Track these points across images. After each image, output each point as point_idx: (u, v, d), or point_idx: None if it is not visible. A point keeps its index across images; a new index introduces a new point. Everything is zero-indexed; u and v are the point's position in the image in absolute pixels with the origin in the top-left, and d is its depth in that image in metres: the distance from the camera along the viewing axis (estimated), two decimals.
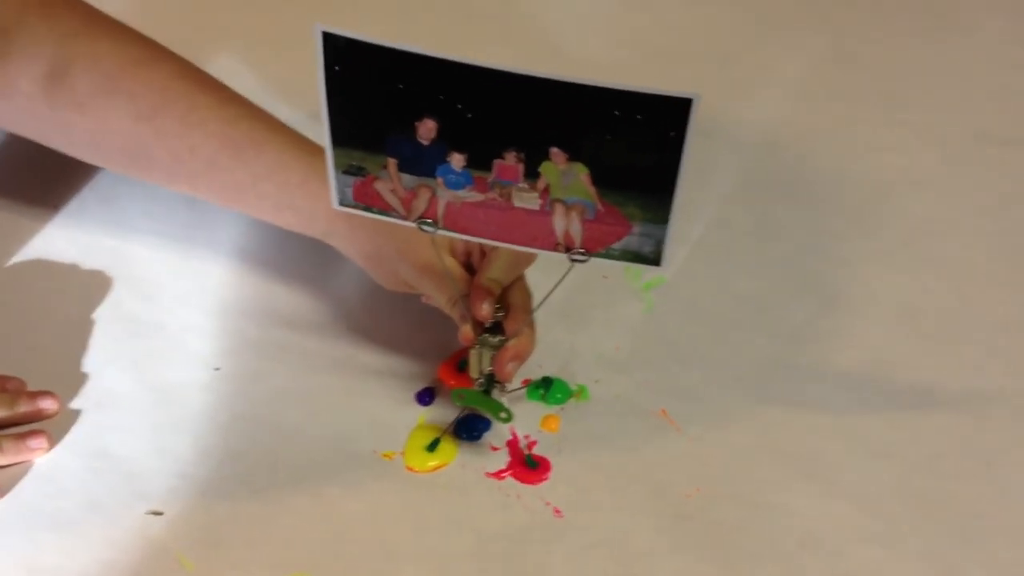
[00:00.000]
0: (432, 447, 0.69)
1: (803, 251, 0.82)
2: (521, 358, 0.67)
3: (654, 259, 0.57)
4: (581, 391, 0.72)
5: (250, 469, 0.68)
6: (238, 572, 0.63)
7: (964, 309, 0.78)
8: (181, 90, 0.72)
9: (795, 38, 1.02)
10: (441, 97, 0.53)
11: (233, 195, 0.73)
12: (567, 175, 0.55)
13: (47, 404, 0.70)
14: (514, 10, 1.04)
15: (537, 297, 0.68)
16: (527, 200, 0.56)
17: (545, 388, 0.72)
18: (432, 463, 0.68)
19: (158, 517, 0.65)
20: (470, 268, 0.70)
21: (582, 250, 0.58)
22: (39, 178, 0.85)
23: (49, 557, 0.63)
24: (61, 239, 0.81)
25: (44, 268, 0.79)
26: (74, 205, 0.83)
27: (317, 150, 0.70)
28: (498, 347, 0.66)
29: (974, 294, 0.79)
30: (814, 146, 0.91)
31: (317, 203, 0.71)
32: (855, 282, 0.79)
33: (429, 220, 0.60)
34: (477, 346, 0.66)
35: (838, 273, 0.80)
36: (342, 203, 0.61)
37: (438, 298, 0.68)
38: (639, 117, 0.51)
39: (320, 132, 0.58)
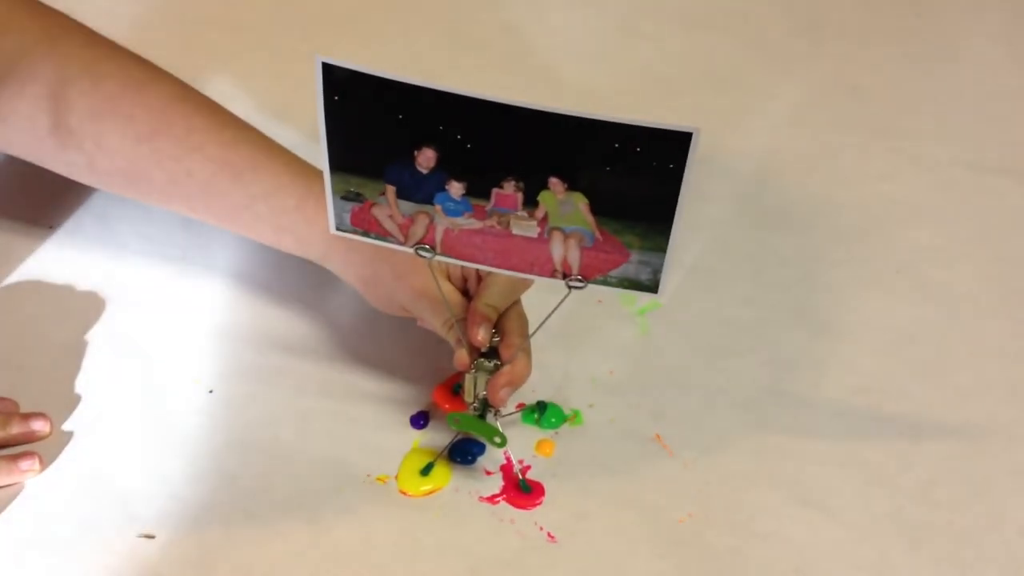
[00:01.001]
0: (426, 471, 0.69)
1: (797, 278, 0.82)
2: (515, 384, 0.66)
3: (651, 287, 0.57)
4: (575, 415, 0.72)
5: (243, 492, 0.68)
6: None
7: (957, 337, 0.78)
8: (179, 113, 0.72)
9: (790, 67, 1.02)
10: (441, 128, 0.53)
11: (230, 217, 0.73)
12: (566, 204, 0.55)
13: (39, 426, 0.69)
14: (512, 37, 1.04)
15: (533, 323, 0.68)
16: (525, 228, 0.57)
17: (539, 412, 0.72)
18: (426, 487, 0.68)
19: (150, 540, 0.65)
20: (467, 293, 0.69)
21: (579, 277, 0.58)
22: (34, 198, 0.84)
23: None
24: (55, 260, 0.81)
25: (38, 289, 0.79)
26: (69, 226, 0.83)
27: (315, 173, 0.70)
28: (493, 372, 0.66)
29: (967, 322, 0.79)
30: (808, 173, 0.91)
31: (313, 227, 0.71)
32: (849, 309, 0.80)
33: (427, 246, 0.60)
34: (472, 371, 0.66)
35: (832, 300, 0.80)
36: (339, 228, 0.61)
37: (434, 322, 0.68)
38: (639, 150, 0.51)
39: (319, 154, 0.58)
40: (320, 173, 0.59)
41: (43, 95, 0.71)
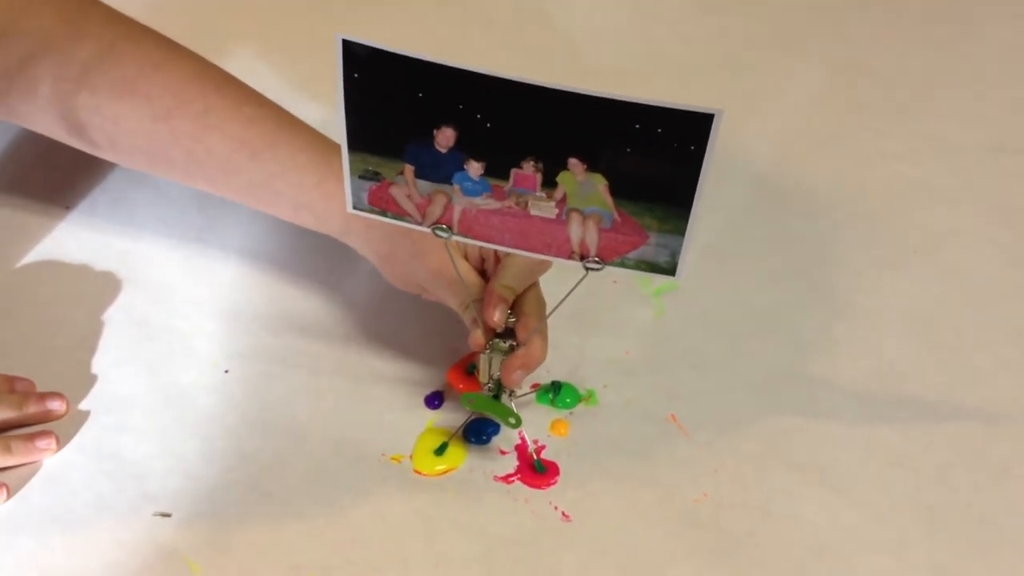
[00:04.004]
0: (440, 451, 0.69)
1: (815, 259, 0.82)
2: (529, 367, 0.66)
3: (669, 269, 0.57)
4: (590, 396, 0.72)
5: (259, 472, 0.68)
6: (245, 575, 0.63)
7: (976, 319, 0.78)
8: (197, 91, 0.72)
9: (810, 48, 1.02)
10: (460, 107, 0.53)
11: (251, 194, 0.73)
12: (585, 185, 0.54)
13: (56, 405, 0.70)
14: (530, 18, 1.04)
15: (549, 304, 0.68)
16: (544, 209, 0.56)
17: (554, 392, 0.72)
18: (440, 467, 0.68)
19: (166, 519, 0.65)
20: (485, 274, 0.69)
21: (597, 258, 0.58)
22: (51, 179, 0.85)
23: (57, 558, 0.63)
24: (72, 240, 0.81)
25: (55, 269, 0.79)
26: (85, 206, 0.83)
27: (334, 149, 0.70)
28: (508, 353, 0.66)
29: (986, 305, 0.79)
30: (827, 156, 0.91)
31: (332, 203, 0.70)
32: (867, 291, 0.79)
33: (444, 226, 0.59)
34: (487, 351, 0.66)
35: (850, 282, 0.80)
36: (357, 207, 0.60)
37: (450, 302, 0.68)
38: (660, 131, 0.51)
39: (338, 134, 0.57)
40: (339, 149, 0.58)
41: (63, 76, 0.71)
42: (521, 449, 0.69)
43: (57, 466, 0.68)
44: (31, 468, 0.67)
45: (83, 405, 0.71)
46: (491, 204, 0.57)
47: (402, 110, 0.55)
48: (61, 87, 0.71)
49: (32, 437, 0.68)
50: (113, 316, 0.76)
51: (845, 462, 0.69)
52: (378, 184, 0.59)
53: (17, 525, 0.65)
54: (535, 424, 0.70)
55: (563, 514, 0.66)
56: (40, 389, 0.71)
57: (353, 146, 0.57)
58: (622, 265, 0.58)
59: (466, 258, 0.69)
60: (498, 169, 0.56)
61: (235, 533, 0.65)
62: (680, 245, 0.55)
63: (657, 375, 0.73)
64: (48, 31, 0.71)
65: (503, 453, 0.69)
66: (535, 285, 0.68)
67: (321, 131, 0.73)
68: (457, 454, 0.69)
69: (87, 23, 0.72)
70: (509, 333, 0.66)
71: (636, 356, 0.75)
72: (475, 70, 0.51)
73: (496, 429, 0.70)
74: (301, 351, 0.74)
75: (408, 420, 0.71)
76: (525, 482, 0.68)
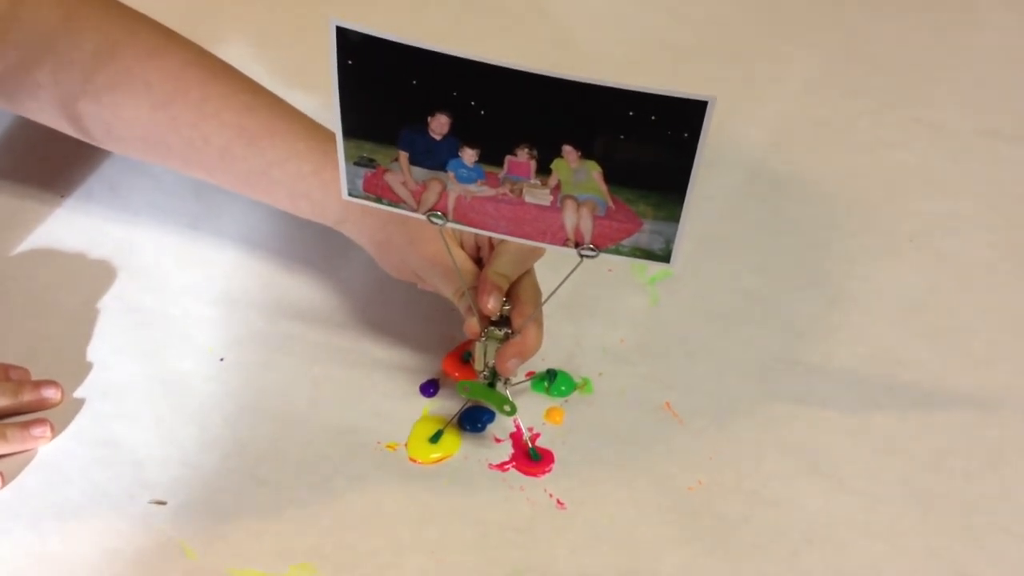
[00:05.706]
0: (435, 438, 0.69)
1: (810, 246, 0.82)
2: (524, 356, 0.66)
3: (664, 256, 0.57)
4: (585, 384, 0.72)
5: (254, 459, 0.68)
6: (241, 562, 0.63)
7: (971, 306, 0.78)
8: (195, 79, 0.71)
9: (805, 35, 1.01)
10: (455, 94, 0.53)
11: (247, 183, 0.73)
12: (579, 172, 0.54)
13: (51, 393, 0.70)
14: (525, 5, 1.03)
15: (544, 292, 0.68)
16: (538, 196, 0.56)
17: (549, 380, 0.72)
18: (435, 454, 0.68)
19: (162, 506, 0.65)
20: (480, 262, 0.69)
21: (592, 245, 0.58)
22: (45, 166, 0.84)
23: (53, 545, 0.64)
24: (67, 228, 0.81)
25: (49, 257, 0.79)
26: (80, 194, 0.83)
27: (330, 137, 0.69)
28: (503, 340, 0.66)
29: (981, 291, 0.79)
30: (823, 142, 0.91)
31: (330, 192, 0.70)
32: (862, 278, 0.79)
33: (439, 213, 0.59)
34: (482, 339, 0.66)
35: (845, 269, 0.80)
36: (352, 194, 0.60)
37: (445, 290, 0.68)
38: (654, 118, 0.50)
39: (333, 121, 0.57)
40: (335, 136, 0.58)
41: (61, 65, 0.71)
42: (516, 437, 0.69)
43: (52, 454, 0.68)
44: (26, 456, 0.68)
45: (78, 393, 0.71)
46: (485, 191, 0.57)
47: (396, 96, 0.54)
48: (61, 76, 0.71)
49: (27, 425, 0.68)
50: (108, 304, 0.76)
51: (839, 448, 0.69)
52: (373, 171, 0.59)
53: (12, 513, 0.65)
54: (530, 412, 0.70)
55: (558, 502, 0.66)
56: (35, 377, 0.71)
57: (348, 132, 0.57)
58: (617, 252, 0.57)
59: (461, 246, 0.69)
60: (493, 156, 0.55)
61: (231, 520, 0.65)
62: (674, 232, 0.55)
63: (652, 363, 0.74)
64: (47, 21, 0.70)
65: (498, 441, 0.69)
66: (530, 272, 0.68)
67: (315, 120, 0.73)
68: (452, 442, 0.69)
69: (85, 12, 0.71)
70: (504, 321, 0.66)
71: (631, 344, 0.75)
72: (469, 57, 0.51)
73: (491, 417, 0.70)
74: (297, 339, 0.74)
75: (403, 408, 0.71)
76: (520, 470, 0.68)
